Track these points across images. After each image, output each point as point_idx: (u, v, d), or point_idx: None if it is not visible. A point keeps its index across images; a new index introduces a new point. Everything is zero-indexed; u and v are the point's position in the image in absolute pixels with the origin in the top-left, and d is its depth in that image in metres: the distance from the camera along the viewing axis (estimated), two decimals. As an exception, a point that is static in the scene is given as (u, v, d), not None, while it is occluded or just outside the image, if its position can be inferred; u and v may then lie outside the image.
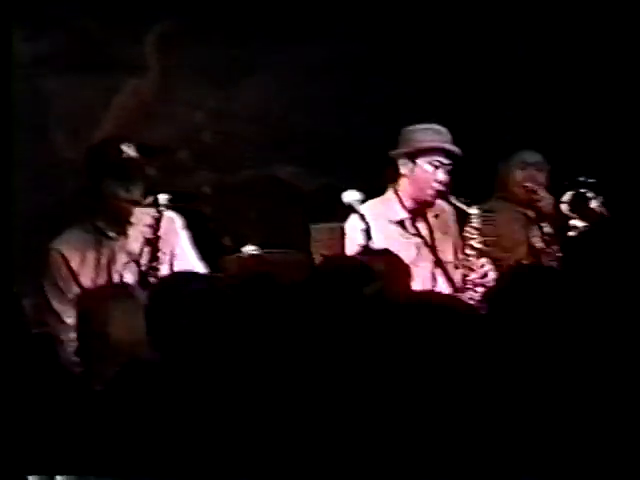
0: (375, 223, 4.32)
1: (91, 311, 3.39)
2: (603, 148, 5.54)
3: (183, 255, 4.39)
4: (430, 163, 4.44)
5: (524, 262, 4.74)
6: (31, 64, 5.41)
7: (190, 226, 4.49)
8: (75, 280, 4.44)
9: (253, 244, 4.61)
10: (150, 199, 4.32)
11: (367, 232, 4.31)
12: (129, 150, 4.27)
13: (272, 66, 5.57)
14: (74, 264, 4.44)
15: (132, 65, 5.51)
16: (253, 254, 4.62)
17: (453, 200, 4.46)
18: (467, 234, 4.48)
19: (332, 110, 5.49)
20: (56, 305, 4.25)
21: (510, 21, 5.61)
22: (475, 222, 4.45)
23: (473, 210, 4.47)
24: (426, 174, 4.43)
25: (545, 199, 4.96)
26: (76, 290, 4.31)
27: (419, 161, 4.45)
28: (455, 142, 4.57)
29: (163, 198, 4.35)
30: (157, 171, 4.57)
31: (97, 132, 5.36)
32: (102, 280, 4.42)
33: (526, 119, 5.65)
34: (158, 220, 4.36)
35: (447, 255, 4.52)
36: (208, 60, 5.51)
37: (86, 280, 4.43)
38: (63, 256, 4.43)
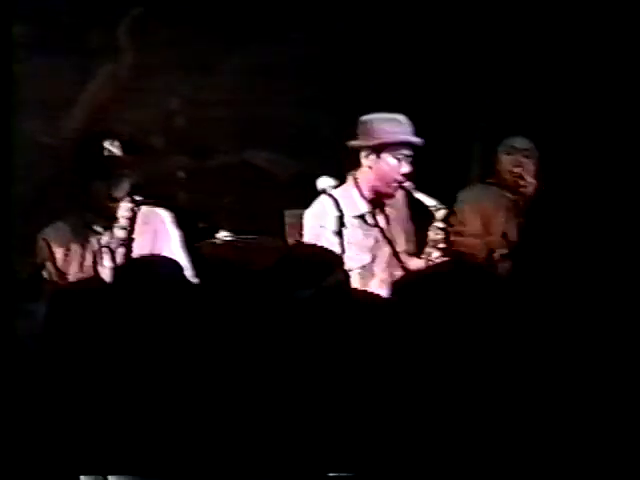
0: (336, 216, 4.34)
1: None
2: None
3: (172, 255, 4.34)
4: (394, 156, 4.44)
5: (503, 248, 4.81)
6: (10, 47, 5.32)
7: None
8: (57, 270, 4.45)
9: (227, 230, 4.63)
10: (131, 195, 4.34)
11: (340, 219, 4.36)
12: (112, 147, 4.26)
13: (247, 52, 5.52)
14: (58, 255, 4.46)
15: (106, 50, 5.48)
16: (227, 240, 4.65)
17: (417, 194, 4.49)
18: (431, 233, 4.48)
19: (306, 98, 5.46)
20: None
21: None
22: (440, 222, 4.45)
23: (433, 204, 4.47)
24: (390, 167, 4.44)
25: (531, 185, 4.99)
26: (58, 282, 4.31)
27: (384, 154, 4.46)
28: (426, 131, 4.57)
29: (140, 197, 4.37)
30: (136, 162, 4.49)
31: (71, 118, 5.34)
32: (85, 273, 4.40)
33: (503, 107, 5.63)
34: (135, 215, 4.38)
35: (402, 245, 4.55)
36: (182, 45, 5.46)
37: (69, 273, 4.45)
38: (49, 245, 4.45)
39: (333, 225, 4.37)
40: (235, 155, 5.54)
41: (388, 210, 4.50)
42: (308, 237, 4.38)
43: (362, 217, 4.48)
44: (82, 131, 5.23)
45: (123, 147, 4.30)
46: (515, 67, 5.65)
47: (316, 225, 4.41)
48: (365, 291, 4.09)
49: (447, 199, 4.78)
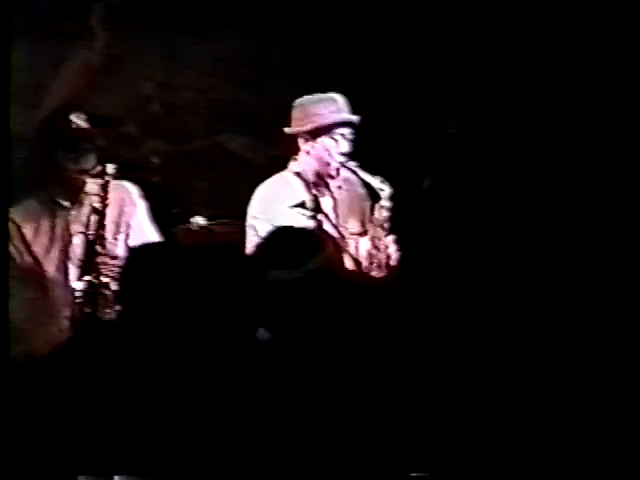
0: (275, 207, 4.33)
1: None
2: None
3: (139, 226, 4.37)
4: (331, 137, 4.40)
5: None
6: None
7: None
8: (28, 250, 4.42)
9: (202, 215, 4.64)
10: (98, 168, 4.28)
11: (310, 202, 4.36)
12: (79, 120, 4.24)
13: (220, 38, 5.47)
14: (28, 234, 4.42)
15: (80, 36, 5.41)
16: (202, 225, 4.65)
17: (361, 173, 4.43)
18: (376, 213, 4.41)
19: (279, 83, 5.38)
20: None
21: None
22: (385, 201, 4.37)
23: (380, 185, 4.39)
24: (328, 149, 4.40)
25: None
26: (28, 260, 4.30)
27: (320, 138, 4.42)
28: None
29: (111, 168, 4.31)
30: (106, 141, 4.52)
31: (45, 104, 5.26)
32: (55, 250, 4.39)
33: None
34: (105, 188, 4.35)
35: (353, 227, 4.48)
36: (156, 31, 5.41)
37: (40, 250, 4.43)
38: (17, 226, 4.41)
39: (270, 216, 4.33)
40: (209, 140, 5.49)
41: (337, 192, 4.45)
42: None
43: (302, 205, 4.43)
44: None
45: (89, 119, 4.28)
46: (488, 46, 5.57)
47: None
48: (352, 272, 4.19)
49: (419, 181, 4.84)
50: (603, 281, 3.73)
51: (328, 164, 4.43)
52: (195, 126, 5.53)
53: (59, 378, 2.55)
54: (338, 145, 4.41)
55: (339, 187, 4.49)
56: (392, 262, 4.38)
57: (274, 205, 4.41)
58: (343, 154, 4.39)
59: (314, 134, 4.42)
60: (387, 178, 4.57)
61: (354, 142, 4.45)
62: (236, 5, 5.42)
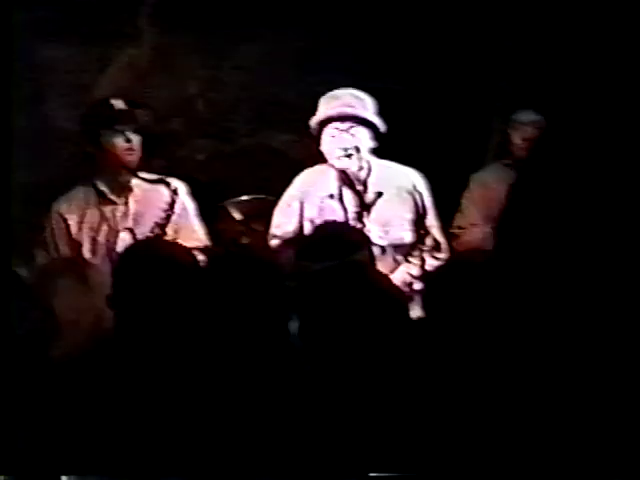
0: (307, 189, 4.49)
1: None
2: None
3: (187, 223, 4.49)
4: (329, 132, 4.51)
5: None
6: (29, 33, 5.37)
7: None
8: (69, 242, 4.54)
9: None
10: (154, 176, 4.46)
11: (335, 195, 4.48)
12: (118, 103, 4.40)
13: (265, 37, 5.56)
14: (72, 225, 4.52)
15: (127, 35, 5.53)
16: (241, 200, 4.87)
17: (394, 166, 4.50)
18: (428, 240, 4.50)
19: (322, 81, 5.35)
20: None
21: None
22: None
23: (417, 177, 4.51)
24: (329, 144, 4.52)
25: None
26: (67, 252, 4.43)
27: (323, 132, 4.53)
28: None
29: (158, 164, 4.46)
30: (147, 121, 4.61)
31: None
32: (101, 243, 4.51)
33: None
34: (152, 184, 4.51)
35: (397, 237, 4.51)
36: (202, 30, 5.51)
37: (84, 241, 4.52)
38: (62, 217, 4.53)
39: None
40: (254, 138, 5.56)
41: (359, 188, 4.54)
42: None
43: (331, 196, 4.54)
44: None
45: (128, 103, 4.44)
46: (530, 46, 5.57)
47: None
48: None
49: (463, 181, 4.86)
50: (603, 281, 3.62)
51: (333, 157, 4.51)
52: (240, 124, 5.59)
53: (97, 371, 2.54)
54: (336, 140, 4.49)
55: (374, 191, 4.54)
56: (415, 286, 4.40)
57: (307, 187, 4.53)
58: (344, 148, 4.46)
59: (319, 129, 4.54)
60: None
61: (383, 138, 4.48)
62: (280, 5, 5.48)
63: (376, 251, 4.22)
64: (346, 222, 4.55)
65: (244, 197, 4.94)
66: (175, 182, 4.60)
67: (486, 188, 4.88)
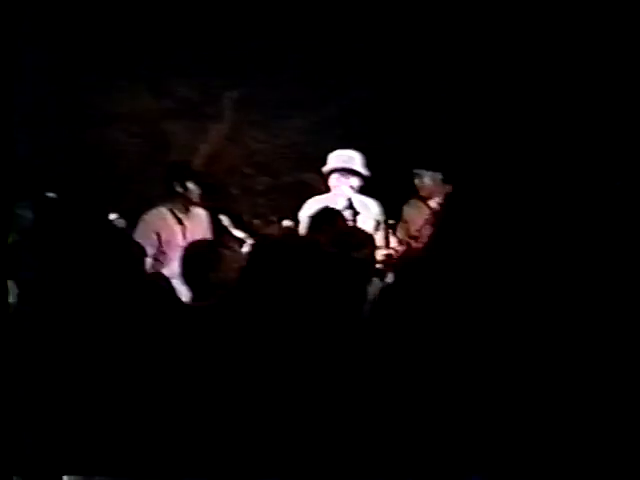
0: (312, 210, 5.22)
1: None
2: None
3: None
4: (334, 177, 5.63)
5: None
6: (156, 113, 6.76)
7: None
8: (160, 245, 5.37)
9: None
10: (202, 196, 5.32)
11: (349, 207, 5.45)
12: (188, 169, 5.52)
13: (304, 111, 6.79)
14: (161, 231, 5.41)
15: (215, 116, 6.90)
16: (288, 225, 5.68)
17: (367, 201, 5.51)
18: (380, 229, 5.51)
19: (349, 135, 6.36)
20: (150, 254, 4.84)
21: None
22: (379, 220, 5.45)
23: (378, 213, 5.48)
24: (334, 183, 5.65)
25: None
26: (152, 251, 5.17)
27: (330, 176, 5.68)
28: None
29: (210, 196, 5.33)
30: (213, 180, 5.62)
31: (196, 158, 6.60)
32: (174, 248, 5.19)
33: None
34: (204, 211, 5.39)
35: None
36: (262, 110, 6.83)
37: (164, 246, 5.37)
38: (152, 225, 5.41)
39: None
40: (294, 175, 6.75)
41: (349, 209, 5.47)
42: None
43: (320, 213, 5.13)
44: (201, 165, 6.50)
45: (196, 177, 5.50)
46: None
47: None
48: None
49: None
50: (603, 281, 3.03)
51: (340, 193, 5.53)
52: (286, 167, 6.82)
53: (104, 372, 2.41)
54: (334, 185, 5.54)
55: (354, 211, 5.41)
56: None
57: (312, 209, 5.33)
58: (351, 186, 5.49)
59: (327, 174, 5.61)
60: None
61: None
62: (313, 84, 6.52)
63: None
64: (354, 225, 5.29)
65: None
66: (205, 212, 5.46)
67: (408, 214, 5.92)
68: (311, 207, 5.53)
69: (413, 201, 5.99)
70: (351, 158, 5.66)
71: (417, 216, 5.89)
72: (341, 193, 5.62)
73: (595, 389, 2.42)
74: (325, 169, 5.67)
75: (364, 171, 5.67)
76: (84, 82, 6.64)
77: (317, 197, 5.70)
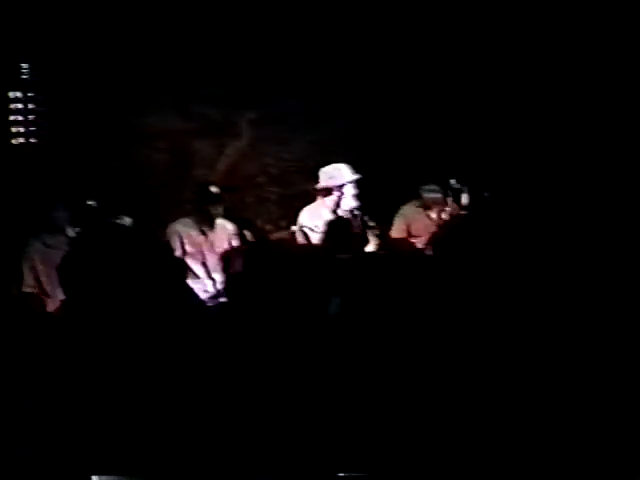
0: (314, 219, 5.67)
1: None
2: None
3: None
4: (334, 193, 5.87)
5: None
6: (183, 132, 7.52)
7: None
8: (182, 248, 5.58)
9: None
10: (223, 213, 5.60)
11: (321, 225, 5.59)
12: (214, 188, 5.85)
13: (311, 133, 7.58)
14: (186, 241, 5.61)
15: (233, 134, 7.65)
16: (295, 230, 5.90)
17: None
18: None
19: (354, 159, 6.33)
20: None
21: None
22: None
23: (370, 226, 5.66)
24: (325, 195, 5.90)
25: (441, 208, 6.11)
26: (181, 254, 5.46)
27: (321, 190, 5.93)
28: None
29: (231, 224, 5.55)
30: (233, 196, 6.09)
31: (214, 173, 7.33)
32: (201, 254, 5.51)
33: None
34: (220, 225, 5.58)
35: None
36: (277, 129, 7.57)
37: (190, 250, 5.57)
38: (179, 234, 5.60)
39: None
40: (300, 186, 7.25)
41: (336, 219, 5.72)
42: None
43: (315, 225, 5.57)
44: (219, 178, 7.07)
45: (221, 189, 5.77)
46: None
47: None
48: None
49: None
50: (603, 281, 2.88)
51: (335, 205, 5.80)
52: (295, 179, 7.52)
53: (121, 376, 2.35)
54: (331, 198, 5.77)
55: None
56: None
57: (314, 218, 5.74)
58: (351, 203, 5.67)
59: (324, 190, 5.91)
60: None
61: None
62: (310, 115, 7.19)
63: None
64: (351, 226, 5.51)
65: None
66: (231, 224, 5.68)
67: (405, 217, 6.36)
68: (307, 214, 5.91)
69: (413, 204, 6.42)
70: (339, 171, 5.91)
71: (417, 217, 6.27)
72: (331, 203, 5.90)
73: (595, 389, 2.38)
74: (318, 187, 5.98)
75: (353, 178, 5.88)
76: (122, 105, 7.29)
77: (309, 206, 6.00)
